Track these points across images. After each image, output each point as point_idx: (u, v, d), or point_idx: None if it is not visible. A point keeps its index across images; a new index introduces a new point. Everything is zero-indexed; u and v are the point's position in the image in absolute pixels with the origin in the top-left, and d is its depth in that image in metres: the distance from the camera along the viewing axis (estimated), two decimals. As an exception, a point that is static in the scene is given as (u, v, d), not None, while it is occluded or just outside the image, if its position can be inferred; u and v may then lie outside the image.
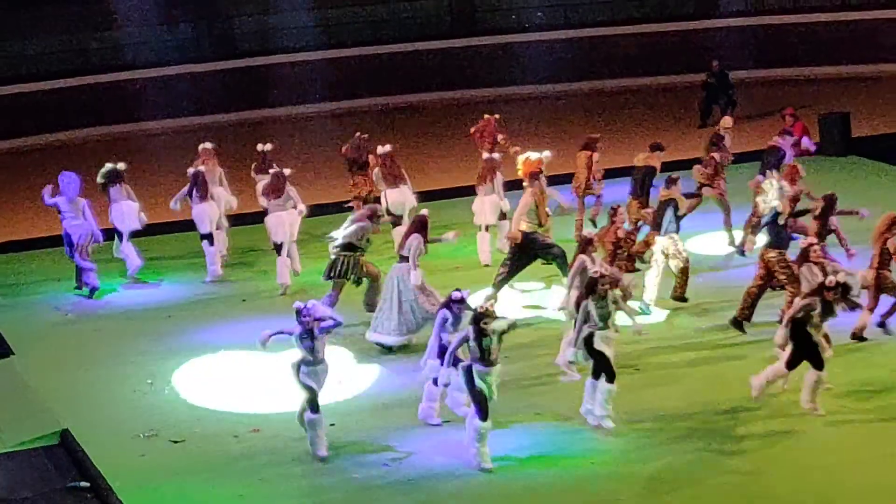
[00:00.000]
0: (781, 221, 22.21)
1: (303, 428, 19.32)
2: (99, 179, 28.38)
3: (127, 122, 41.31)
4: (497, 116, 30.88)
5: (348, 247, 23.92)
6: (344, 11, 43.87)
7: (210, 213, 27.64)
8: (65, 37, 44.05)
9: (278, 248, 27.11)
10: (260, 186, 28.16)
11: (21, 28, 43.78)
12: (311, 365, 18.94)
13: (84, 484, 19.83)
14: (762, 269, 22.38)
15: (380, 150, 28.62)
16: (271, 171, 27.76)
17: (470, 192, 29.34)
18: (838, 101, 35.32)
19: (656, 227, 24.06)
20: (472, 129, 31.05)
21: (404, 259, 23.15)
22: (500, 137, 29.75)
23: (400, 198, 28.20)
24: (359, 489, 18.51)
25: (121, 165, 28.46)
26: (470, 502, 17.69)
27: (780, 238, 23.06)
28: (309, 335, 18.84)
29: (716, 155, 26.44)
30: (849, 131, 32.35)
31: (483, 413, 18.20)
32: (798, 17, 40.41)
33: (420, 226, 23.52)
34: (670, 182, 24.62)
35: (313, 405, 19.05)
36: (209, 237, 27.76)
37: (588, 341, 18.93)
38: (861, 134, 32.26)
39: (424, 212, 24.21)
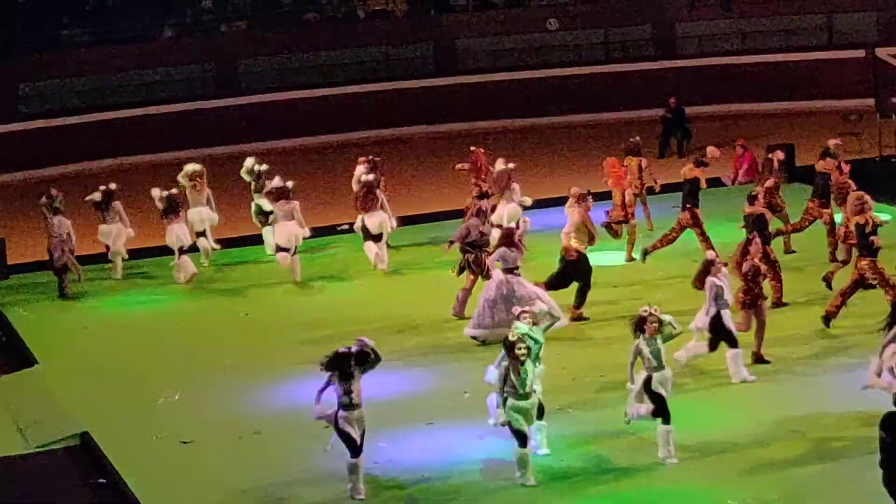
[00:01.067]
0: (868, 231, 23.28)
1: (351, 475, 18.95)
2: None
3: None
4: (482, 149, 31.74)
5: (470, 245, 25.09)
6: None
7: (178, 231, 28.52)
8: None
9: (281, 249, 28.42)
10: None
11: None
12: (348, 410, 18.37)
13: (102, 481, 20.50)
14: (855, 276, 22.86)
15: (363, 177, 29.23)
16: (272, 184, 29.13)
17: (457, 215, 31.05)
18: (783, 134, 36.17)
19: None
20: (467, 166, 31.06)
21: (508, 270, 24.42)
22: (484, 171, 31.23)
23: (377, 220, 28.88)
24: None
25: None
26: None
27: (868, 248, 24.00)
28: (348, 378, 18.19)
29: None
30: (793, 161, 33.09)
31: (520, 441, 18.17)
32: (748, 57, 41.74)
33: (506, 238, 24.87)
34: (752, 199, 25.16)
35: (353, 450, 18.56)
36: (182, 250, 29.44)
37: (647, 385, 18.36)
38: (804, 163, 32.30)
39: (511, 225, 25.21)
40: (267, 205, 29.90)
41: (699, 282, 21.81)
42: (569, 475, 18.63)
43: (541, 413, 18.86)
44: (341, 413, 18.22)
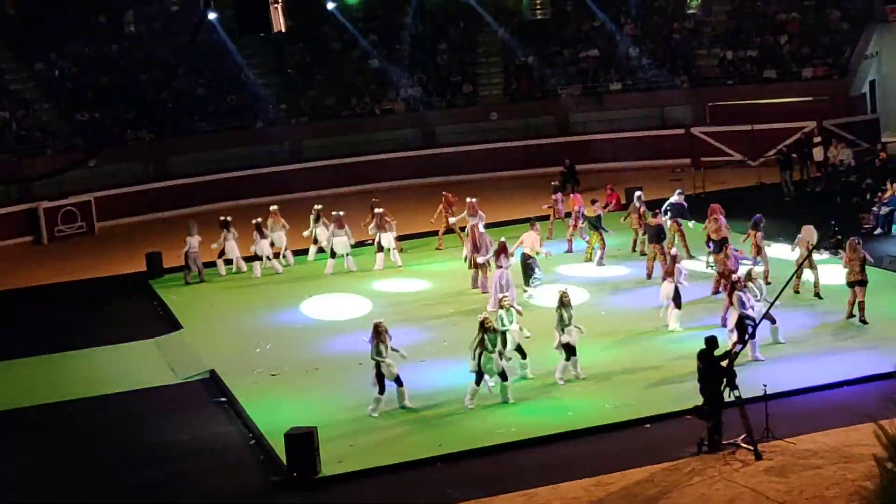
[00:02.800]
0: None
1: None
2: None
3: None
4: (450, 194, 33.16)
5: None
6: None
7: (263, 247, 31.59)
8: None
9: (333, 254, 31.07)
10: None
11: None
12: (383, 360, 20.57)
13: (223, 399, 22.72)
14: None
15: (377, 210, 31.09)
16: (332, 216, 31.36)
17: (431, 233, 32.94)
18: (636, 181, 37.45)
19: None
20: (441, 207, 32.98)
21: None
22: (453, 205, 32.54)
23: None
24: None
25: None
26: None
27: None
28: (382, 339, 20.61)
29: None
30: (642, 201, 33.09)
31: (476, 379, 20.43)
32: (612, 135, 46.40)
33: (501, 249, 26.61)
34: (654, 215, 28.21)
35: (380, 388, 20.60)
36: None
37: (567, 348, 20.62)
38: (648, 198, 32.35)
39: (503, 239, 27.14)
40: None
41: None
42: (510, 401, 20.74)
43: (504, 376, 20.45)
44: (379, 361, 20.30)
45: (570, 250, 31.26)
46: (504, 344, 20.60)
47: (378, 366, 20.23)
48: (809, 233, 25.15)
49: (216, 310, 29.12)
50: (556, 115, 47.58)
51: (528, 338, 21.69)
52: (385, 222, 31.17)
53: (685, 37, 48.35)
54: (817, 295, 25.28)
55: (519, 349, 21.27)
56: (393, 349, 20.40)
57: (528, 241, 27.61)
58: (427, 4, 48.31)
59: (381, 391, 20.32)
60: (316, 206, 32.75)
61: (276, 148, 46.38)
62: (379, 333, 20.33)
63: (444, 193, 33.27)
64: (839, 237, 25.87)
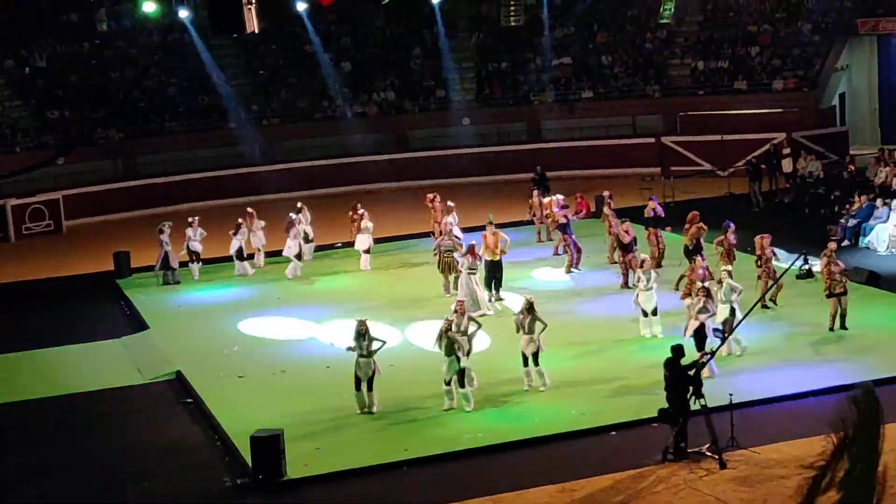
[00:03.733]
0: None
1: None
2: None
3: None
4: (435, 195, 33.14)
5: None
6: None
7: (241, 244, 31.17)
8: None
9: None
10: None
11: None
12: (359, 358, 20.78)
13: (189, 400, 22.73)
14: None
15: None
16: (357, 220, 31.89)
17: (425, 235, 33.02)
18: (606, 188, 36.56)
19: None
20: (431, 205, 33.10)
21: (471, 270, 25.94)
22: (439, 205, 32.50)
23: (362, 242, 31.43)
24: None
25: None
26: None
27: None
28: (360, 338, 20.68)
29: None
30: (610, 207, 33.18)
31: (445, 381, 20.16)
32: (584, 142, 46.86)
33: (470, 250, 26.76)
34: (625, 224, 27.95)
35: (356, 385, 20.70)
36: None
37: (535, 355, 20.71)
38: (617, 206, 32.33)
39: (473, 242, 27.36)
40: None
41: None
42: (478, 402, 20.96)
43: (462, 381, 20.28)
44: (358, 359, 20.38)
45: (556, 252, 32.04)
46: (464, 350, 20.74)
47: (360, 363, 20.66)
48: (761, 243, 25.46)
49: (183, 310, 29.24)
50: (528, 122, 48.04)
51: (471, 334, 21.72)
52: (358, 224, 31.96)
53: (657, 46, 48.71)
54: (771, 303, 25.71)
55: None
56: (375, 339, 20.82)
57: (487, 244, 27.82)
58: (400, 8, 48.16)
59: (356, 387, 20.65)
60: (298, 205, 33.44)
61: (246, 149, 46.73)
62: (360, 333, 20.58)
63: (428, 195, 33.77)
64: (811, 267, 26.13)
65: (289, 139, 47.15)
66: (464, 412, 20.34)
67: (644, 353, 22.76)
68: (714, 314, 21.80)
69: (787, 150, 40.67)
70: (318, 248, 33.58)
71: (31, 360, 25.85)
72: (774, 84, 46.08)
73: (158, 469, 19.38)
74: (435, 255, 28.57)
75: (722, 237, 26.68)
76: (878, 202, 32.45)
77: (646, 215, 30.27)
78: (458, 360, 20.08)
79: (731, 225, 27.25)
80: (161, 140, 45.94)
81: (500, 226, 30.26)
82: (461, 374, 20.06)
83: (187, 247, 32.15)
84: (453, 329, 20.24)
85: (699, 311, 21.53)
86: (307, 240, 32.95)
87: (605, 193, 31.86)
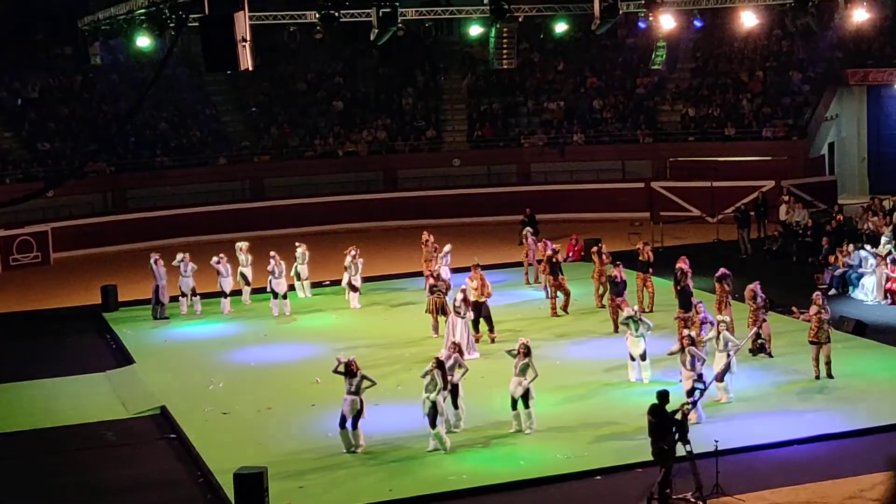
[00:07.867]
0: None
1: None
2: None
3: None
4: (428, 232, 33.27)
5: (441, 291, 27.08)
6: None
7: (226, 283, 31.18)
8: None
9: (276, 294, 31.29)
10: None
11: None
12: (347, 394, 20.61)
13: (173, 436, 22.63)
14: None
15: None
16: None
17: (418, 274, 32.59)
18: (595, 232, 37.93)
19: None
20: (424, 247, 33.06)
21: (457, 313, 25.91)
22: (432, 241, 32.83)
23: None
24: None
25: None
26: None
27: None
28: (349, 376, 20.43)
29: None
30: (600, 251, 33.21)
31: (430, 422, 20.13)
32: (573, 186, 46.58)
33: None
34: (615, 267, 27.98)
35: (341, 423, 20.54)
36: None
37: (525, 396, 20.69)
38: (612, 250, 32.05)
39: (464, 287, 27.10)
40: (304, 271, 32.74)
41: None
42: (464, 443, 20.90)
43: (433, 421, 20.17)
44: (345, 396, 20.21)
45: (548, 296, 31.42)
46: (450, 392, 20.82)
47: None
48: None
49: (169, 345, 29.17)
50: (519, 165, 48.13)
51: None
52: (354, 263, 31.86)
53: (649, 92, 48.99)
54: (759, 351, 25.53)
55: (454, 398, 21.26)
56: (365, 377, 20.61)
57: (473, 287, 27.77)
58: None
59: (341, 425, 20.71)
60: (298, 244, 33.57)
61: (236, 186, 46.80)
62: (351, 372, 20.56)
63: (425, 232, 33.67)
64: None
65: (279, 176, 47.99)
66: (451, 453, 20.60)
67: (632, 399, 22.83)
68: (703, 361, 21.97)
69: (786, 198, 41.01)
70: (313, 285, 33.96)
71: (16, 392, 25.72)
72: (764, 132, 46.34)
73: (140, 504, 18.11)
74: (428, 295, 28.60)
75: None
76: (864, 252, 32.58)
77: (641, 258, 30.37)
78: (428, 397, 20.18)
79: (725, 274, 27.03)
80: (152, 174, 46.22)
81: (486, 268, 30.42)
82: (433, 410, 20.09)
83: (179, 286, 32.23)
84: (439, 369, 20.42)
85: (689, 363, 21.74)
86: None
87: (601, 245, 32.19)
